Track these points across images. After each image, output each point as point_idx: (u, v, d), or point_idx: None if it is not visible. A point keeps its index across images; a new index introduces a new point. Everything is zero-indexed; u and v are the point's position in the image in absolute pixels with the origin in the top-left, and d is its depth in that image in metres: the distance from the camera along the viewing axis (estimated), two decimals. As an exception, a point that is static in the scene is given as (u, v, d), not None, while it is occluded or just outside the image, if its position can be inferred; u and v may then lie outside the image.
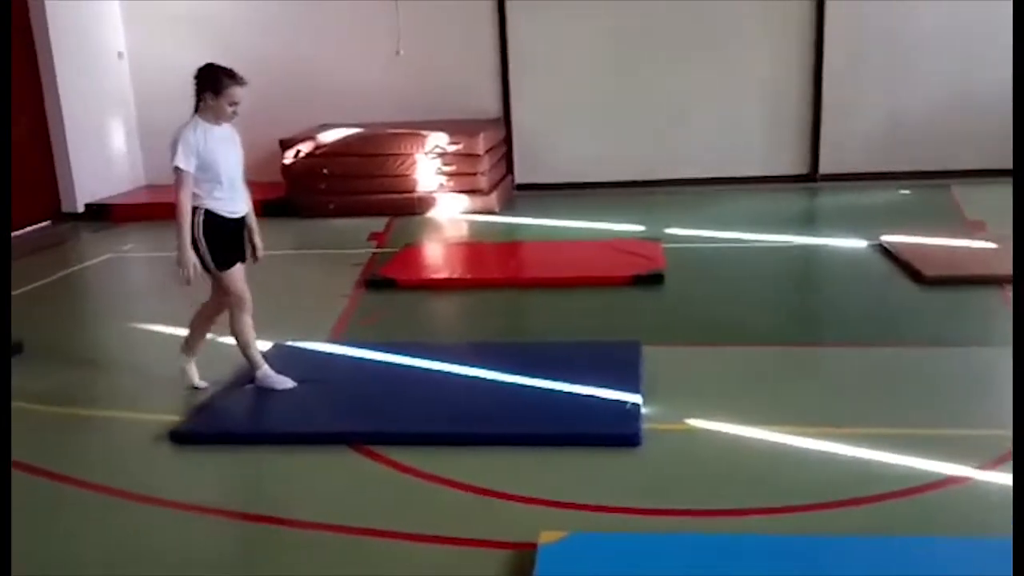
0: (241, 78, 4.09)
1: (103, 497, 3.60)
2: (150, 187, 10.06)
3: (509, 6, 9.29)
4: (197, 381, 4.51)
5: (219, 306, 4.43)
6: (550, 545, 2.91)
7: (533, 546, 2.96)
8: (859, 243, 6.83)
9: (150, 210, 9.13)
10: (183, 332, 4.56)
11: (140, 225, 8.79)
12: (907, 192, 8.67)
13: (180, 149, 4.04)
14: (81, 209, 9.12)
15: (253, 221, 4.40)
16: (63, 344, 5.49)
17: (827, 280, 6.14)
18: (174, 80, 9.91)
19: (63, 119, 8.89)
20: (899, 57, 9.01)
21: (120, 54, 9.84)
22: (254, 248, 4.40)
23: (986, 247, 6.34)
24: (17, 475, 3.77)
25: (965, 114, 8.94)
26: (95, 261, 7.62)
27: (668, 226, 7.62)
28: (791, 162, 9.32)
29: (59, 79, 8.81)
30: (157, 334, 5.49)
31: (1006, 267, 5.27)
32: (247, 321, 4.34)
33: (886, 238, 6.65)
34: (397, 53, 9.49)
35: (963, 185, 8.62)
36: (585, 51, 9.34)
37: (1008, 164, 8.23)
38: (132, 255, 7.89)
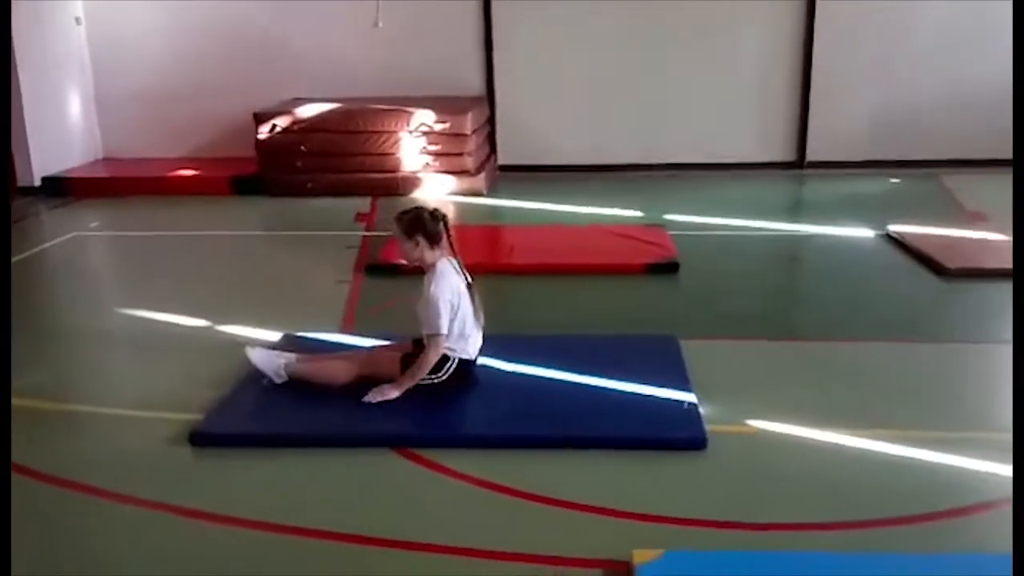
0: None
1: (115, 505, 3.26)
2: (108, 159, 9.54)
3: (494, -22, 8.97)
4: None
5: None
6: (648, 564, 2.68)
7: (619, 565, 2.76)
8: (865, 232, 6.73)
9: (111, 185, 8.68)
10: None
11: (101, 201, 8.31)
12: (897, 181, 8.62)
13: (443, 312, 3.77)
14: (38, 183, 8.56)
15: None
16: (48, 332, 5.07)
17: (844, 271, 6.00)
18: (134, 47, 9.54)
19: (20, 87, 8.31)
20: (887, 47, 8.94)
21: (78, 19, 9.26)
22: None
23: (998, 239, 6.27)
24: (17, 479, 3.40)
25: (952, 103, 8.92)
26: (60, 240, 7.13)
27: (666, 212, 7.42)
28: (778, 149, 9.20)
29: (15, 45, 8.23)
30: (149, 321, 5.11)
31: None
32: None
33: (894, 228, 6.56)
34: (375, 24, 9.09)
35: (951, 175, 8.60)
36: (572, 29, 9.05)
37: (996, 154, 8.43)
38: (99, 234, 7.43)
